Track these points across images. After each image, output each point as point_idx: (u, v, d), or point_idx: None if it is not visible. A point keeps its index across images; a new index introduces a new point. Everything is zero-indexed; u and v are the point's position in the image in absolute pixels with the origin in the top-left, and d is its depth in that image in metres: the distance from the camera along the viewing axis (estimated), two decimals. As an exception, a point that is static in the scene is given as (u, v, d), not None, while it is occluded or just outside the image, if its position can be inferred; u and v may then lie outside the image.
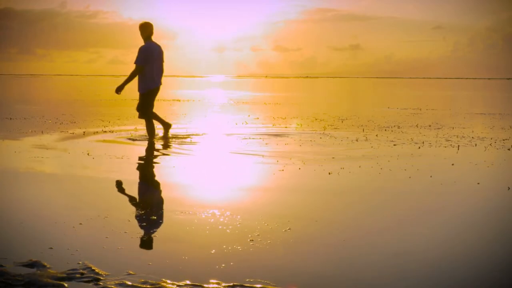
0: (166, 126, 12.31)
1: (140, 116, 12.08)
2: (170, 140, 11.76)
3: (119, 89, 12.01)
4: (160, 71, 12.06)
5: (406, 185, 7.51)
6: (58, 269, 4.04)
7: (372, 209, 6.21)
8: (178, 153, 9.99)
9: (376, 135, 13.11)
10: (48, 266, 4.11)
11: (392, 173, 8.25)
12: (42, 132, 13.06)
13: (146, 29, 11.95)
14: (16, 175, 7.92)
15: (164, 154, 9.95)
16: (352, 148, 10.93)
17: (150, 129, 12.05)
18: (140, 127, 14.08)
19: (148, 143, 11.27)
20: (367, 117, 18.94)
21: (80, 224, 5.27)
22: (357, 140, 12.12)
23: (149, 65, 11.80)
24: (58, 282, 3.82)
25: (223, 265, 4.22)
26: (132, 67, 11.85)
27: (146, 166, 8.71)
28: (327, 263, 4.33)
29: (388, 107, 25.87)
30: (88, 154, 9.64)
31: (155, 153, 10.07)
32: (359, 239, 4.97)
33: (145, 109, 11.95)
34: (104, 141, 11.58)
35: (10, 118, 16.99)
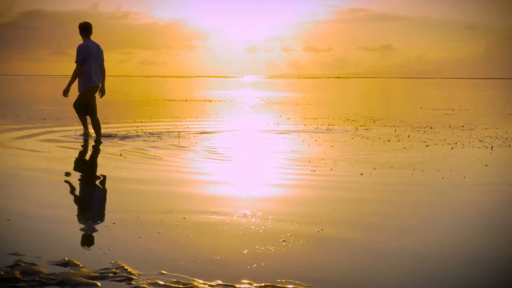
0: (85, 132, 12.40)
1: (75, 107, 12.21)
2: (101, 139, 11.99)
3: (65, 92, 12.04)
4: (99, 69, 12.17)
5: (439, 186, 7.45)
6: (91, 268, 4.07)
7: (404, 210, 6.16)
8: (209, 152, 10.00)
9: (408, 136, 13.03)
10: (81, 265, 4.14)
11: (424, 174, 8.19)
12: (75, 132, 13.15)
13: (84, 28, 12.06)
14: (60, 174, 7.99)
15: (194, 154, 9.96)
16: (384, 148, 10.87)
17: (84, 125, 12.34)
18: (168, 125, 14.12)
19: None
20: (399, 118, 18.83)
21: (114, 223, 5.30)
22: (389, 141, 12.06)
23: (87, 64, 11.91)
24: (91, 281, 3.85)
25: (254, 265, 4.21)
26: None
27: (177, 166, 8.72)
28: (359, 264, 4.30)
29: (420, 108, 25.70)
30: (120, 155, 9.70)
31: (189, 153, 10.08)
32: (391, 240, 4.93)
33: (81, 106, 12.09)
34: (133, 142, 11.63)
35: (44, 119, 17.15)
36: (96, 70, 12.05)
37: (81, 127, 12.68)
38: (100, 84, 12.24)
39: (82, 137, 12.14)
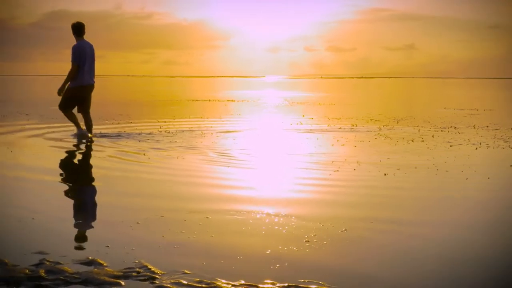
0: (80, 126, 12.47)
1: (59, 107, 12.30)
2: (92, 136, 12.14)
3: (60, 91, 12.15)
4: (92, 69, 12.27)
5: (463, 187, 7.40)
6: (115, 268, 4.09)
7: (428, 211, 6.13)
8: (232, 151, 10.00)
9: (432, 136, 12.97)
10: (105, 264, 4.16)
11: (448, 174, 8.14)
12: (99, 132, 13.22)
13: (77, 28, 12.16)
14: (83, 174, 8.04)
15: (217, 154, 9.96)
16: (408, 148, 10.82)
17: (71, 117, 12.34)
18: (189, 123, 14.15)
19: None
20: (423, 118, 18.73)
21: (138, 223, 5.32)
22: (413, 141, 12.00)
23: (82, 63, 12.02)
24: (115, 280, 3.86)
25: (277, 265, 4.21)
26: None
27: (200, 166, 8.73)
28: (383, 264, 4.28)
29: (444, 108, 25.56)
30: (144, 154, 9.74)
31: (212, 153, 10.09)
32: (415, 241, 4.91)
33: (66, 103, 12.17)
34: (156, 141, 11.67)
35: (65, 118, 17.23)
36: (89, 69, 12.18)
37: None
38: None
39: (76, 138, 12.17)
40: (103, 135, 12.51)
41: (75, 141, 11.64)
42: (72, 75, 11.98)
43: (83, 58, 11.99)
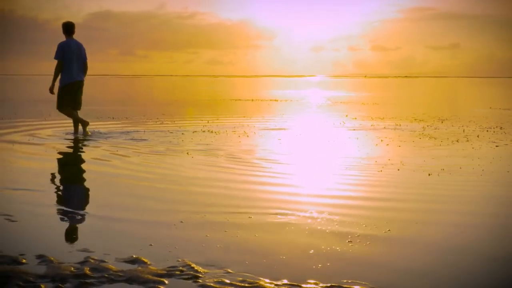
0: (83, 123, 12.80)
1: (58, 109, 12.63)
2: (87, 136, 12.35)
3: (51, 89, 12.61)
4: (79, 67, 12.59)
5: (509, 187, 7.30)
6: (158, 266, 4.11)
7: (473, 212, 6.06)
8: (275, 150, 10.01)
9: (478, 136, 12.81)
10: (148, 262, 4.19)
11: (494, 174, 8.04)
12: (151, 132, 13.32)
13: (66, 27, 12.57)
14: (127, 173, 8.11)
15: (261, 152, 9.97)
16: (453, 149, 10.71)
17: (73, 118, 12.70)
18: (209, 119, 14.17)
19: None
20: (468, 118, 18.52)
21: (181, 222, 5.35)
22: (457, 141, 11.88)
23: (67, 60, 12.40)
24: (159, 278, 3.89)
25: (319, 265, 4.20)
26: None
27: (243, 165, 8.74)
28: (426, 265, 4.25)
29: (490, 107, 25.23)
30: (187, 153, 9.79)
31: (256, 152, 10.10)
32: (460, 242, 4.86)
33: (61, 102, 12.53)
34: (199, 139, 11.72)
35: (113, 118, 17.43)
36: (77, 67, 12.53)
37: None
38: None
39: (81, 136, 12.47)
40: (133, 139, 12.58)
41: (115, 137, 11.73)
42: (57, 71, 12.42)
43: (67, 55, 12.38)
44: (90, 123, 12.99)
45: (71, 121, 13.00)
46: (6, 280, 3.79)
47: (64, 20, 12.74)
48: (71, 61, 12.40)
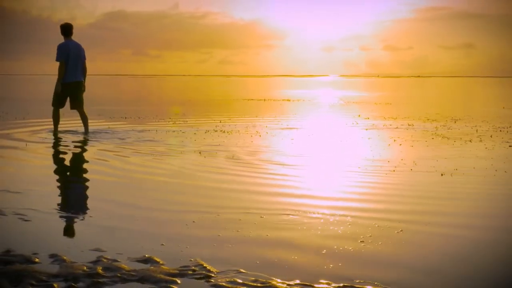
0: (55, 130, 13.01)
1: (52, 105, 12.95)
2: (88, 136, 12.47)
3: (58, 90, 12.75)
4: (77, 67, 12.81)
5: (523, 187, 7.28)
6: (171, 266, 4.12)
7: (485, 211, 6.04)
8: (287, 150, 10.00)
9: (491, 136, 12.76)
10: (161, 262, 4.20)
11: (507, 175, 8.01)
12: (158, 132, 13.34)
13: (65, 29, 12.86)
14: (139, 173, 8.13)
15: (272, 152, 9.96)
16: (466, 149, 10.67)
17: (55, 118, 13.02)
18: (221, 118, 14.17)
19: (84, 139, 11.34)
20: (481, 118, 18.45)
21: (193, 222, 5.35)
22: (470, 141, 11.84)
23: (67, 61, 12.65)
24: (171, 278, 3.89)
25: (331, 265, 4.19)
26: None
27: (254, 164, 8.74)
28: (439, 266, 4.23)
29: (503, 107, 25.13)
30: (199, 153, 9.80)
31: (268, 151, 10.09)
32: (473, 242, 4.84)
33: (54, 100, 12.84)
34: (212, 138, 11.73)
35: (125, 118, 17.47)
36: (75, 67, 12.77)
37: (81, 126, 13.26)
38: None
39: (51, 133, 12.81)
40: (145, 139, 12.61)
41: (127, 137, 11.75)
42: (60, 72, 12.64)
43: (65, 55, 12.62)
44: (102, 122, 13.05)
45: (80, 120, 13.14)
46: (19, 279, 3.80)
47: (63, 22, 12.99)
48: (69, 61, 12.64)
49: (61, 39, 12.78)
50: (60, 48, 12.66)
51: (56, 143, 11.23)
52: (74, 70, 12.73)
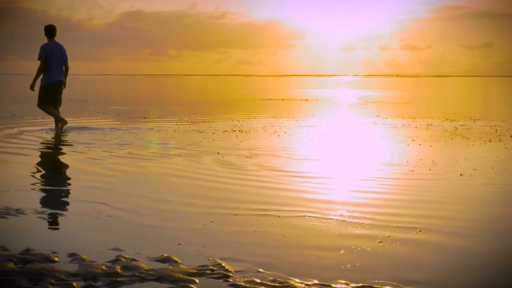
0: (62, 122, 13.45)
1: (38, 106, 13.40)
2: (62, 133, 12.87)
3: (32, 86, 13.30)
4: (60, 67, 13.35)
5: (542, 188, 7.23)
6: (189, 265, 4.13)
7: (505, 214, 6.00)
8: (306, 149, 10.00)
9: (511, 136, 12.68)
10: (179, 261, 4.21)
11: (527, 175, 7.97)
12: (174, 131, 13.37)
13: (48, 30, 13.37)
14: (155, 171, 8.16)
15: (290, 153, 9.95)
16: (485, 149, 10.61)
17: (54, 115, 13.43)
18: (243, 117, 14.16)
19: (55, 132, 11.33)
20: (501, 117, 18.34)
21: (212, 222, 5.36)
22: (490, 141, 11.77)
23: (49, 61, 13.19)
24: (189, 277, 3.90)
25: (349, 265, 4.19)
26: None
27: (272, 164, 8.73)
28: (457, 268, 4.21)
29: (523, 107, 24.98)
30: (218, 153, 9.81)
31: (286, 151, 10.09)
32: (490, 246, 4.81)
33: (42, 100, 13.27)
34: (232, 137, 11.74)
35: (144, 117, 17.53)
36: (57, 67, 13.26)
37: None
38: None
39: (55, 131, 13.13)
40: (163, 139, 12.64)
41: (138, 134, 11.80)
42: (39, 71, 13.20)
43: (49, 56, 13.10)
44: (122, 123, 13.16)
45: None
46: (39, 278, 3.83)
47: (47, 24, 13.39)
48: (52, 62, 13.13)
49: (44, 39, 13.24)
50: (44, 48, 13.14)
51: (70, 140, 11.28)
52: (58, 70, 13.22)
